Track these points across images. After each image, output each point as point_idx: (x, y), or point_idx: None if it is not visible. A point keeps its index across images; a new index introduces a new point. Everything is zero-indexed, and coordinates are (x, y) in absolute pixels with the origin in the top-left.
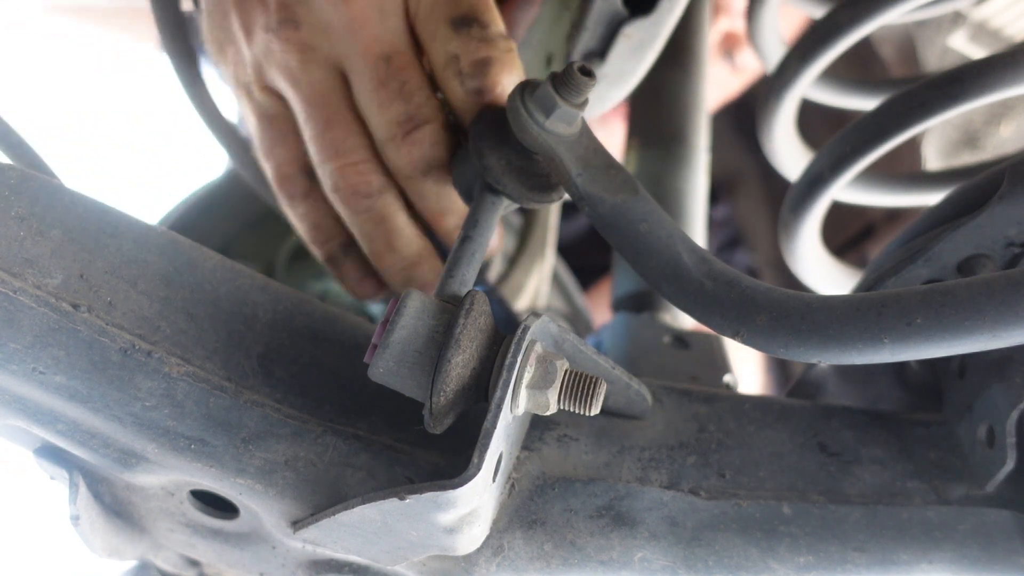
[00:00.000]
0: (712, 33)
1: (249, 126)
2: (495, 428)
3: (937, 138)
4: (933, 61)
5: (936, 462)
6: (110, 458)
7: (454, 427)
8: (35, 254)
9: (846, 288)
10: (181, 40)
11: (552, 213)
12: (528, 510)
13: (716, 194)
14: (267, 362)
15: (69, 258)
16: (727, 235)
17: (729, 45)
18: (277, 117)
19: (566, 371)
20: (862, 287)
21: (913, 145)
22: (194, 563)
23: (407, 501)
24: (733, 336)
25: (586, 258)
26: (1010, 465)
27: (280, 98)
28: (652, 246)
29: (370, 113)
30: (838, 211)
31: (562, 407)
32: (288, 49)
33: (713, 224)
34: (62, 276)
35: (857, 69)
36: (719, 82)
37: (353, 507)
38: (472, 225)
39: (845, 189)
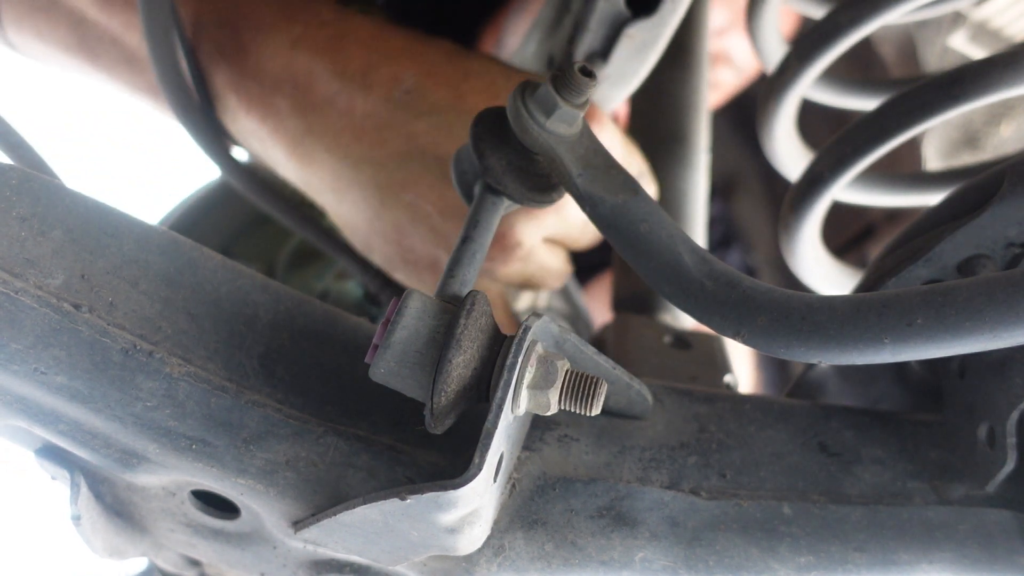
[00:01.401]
0: None
1: None
2: (496, 428)
3: (937, 138)
4: (933, 61)
5: (936, 462)
6: (111, 458)
7: (455, 427)
8: (36, 254)
9: (846, 288)
10: (172, 65)
11: None
12: (529, 510)
13: (710, 193)
14: (268, 362)
15: (70, 258)
16: (720, 233)
17: None
18: (497, 305)
19: (567, 371)
20: (862, 287)
21: (913, 145)
22: (195, 563)
23: (408, 501)
24: (734, 336)
25: (578, 257)
26: (1010, 465)
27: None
28: (652, 246)
29: None
30: (838, 211)
31: (563, 407)
32: (517, 265)
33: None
34: (63, 276)
35: (857, 69)
36: None
37: (354, 507)
38: (473, 225)
39: (845, 189)
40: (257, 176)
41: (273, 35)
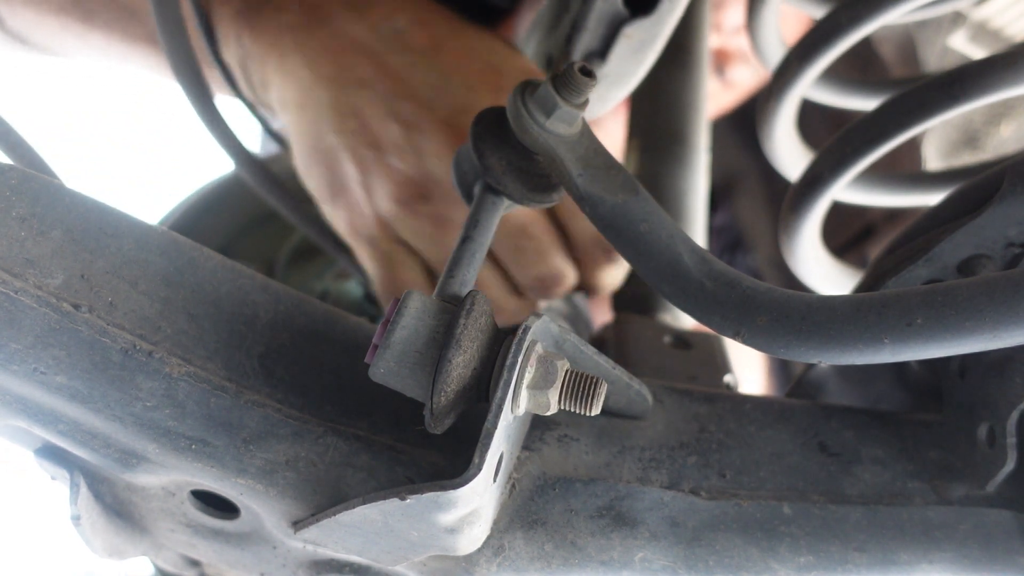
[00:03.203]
0: None
1: (369, 269)
2: (496, 428)
3: (937, 138)
4: (933, 61)
5: (936, 462)
6: (111, 458)
7: (455, 427)
8: (36, 254)
9: (846, 288)
10: (184, 46)
11: None
12: (529, 510)
13: (715, 200)
14: (268, 362)
15: (70, 258)
16: (727, 240)
17: (720, 61)
18: (404, 264)
19: (567, 371)
20: (862, 287)
21: (913, 145)
22: (195, 563)
23: (408, 501)
24: (733, 336)
25: None
26: (1010, 465)
27: (411, 249)
28: (652, 246)
29: (512, 271)
30: (838, 211)
31: (563, 407)
32: (422, 221)
33: (713, 231)
34: (63, 276)
35: (857, 69)
36: (711, 96)
37: (354, 507)
38: (472, 225)
39: (845, 189)
40: (256, 158)
41: None
